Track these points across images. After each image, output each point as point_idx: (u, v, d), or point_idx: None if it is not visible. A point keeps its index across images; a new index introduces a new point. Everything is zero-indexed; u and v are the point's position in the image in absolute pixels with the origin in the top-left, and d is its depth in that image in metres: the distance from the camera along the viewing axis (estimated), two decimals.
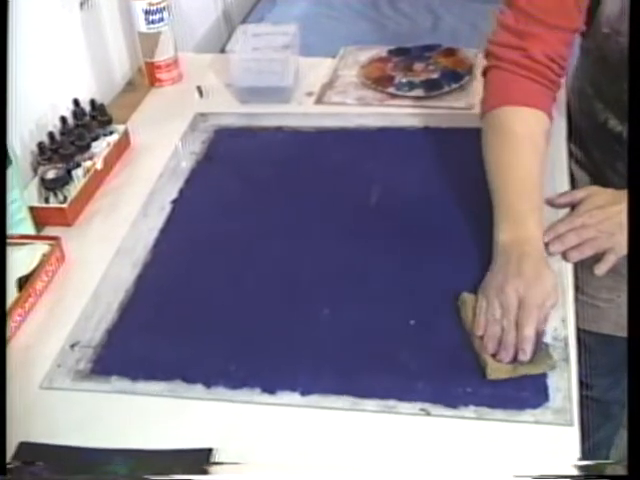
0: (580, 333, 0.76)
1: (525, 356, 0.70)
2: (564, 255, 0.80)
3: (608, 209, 0.79)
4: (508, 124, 0.85)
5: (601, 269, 0.79)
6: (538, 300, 0.73)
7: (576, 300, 0.80)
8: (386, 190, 0.95)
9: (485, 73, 0.91)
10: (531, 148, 0.83)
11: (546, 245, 0.80)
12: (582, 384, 0.72)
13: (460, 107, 1.10)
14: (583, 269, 0.82)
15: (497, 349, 0.71)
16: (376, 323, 0.77)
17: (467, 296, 0.77)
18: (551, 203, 0.86)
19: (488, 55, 0.89)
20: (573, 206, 0.84)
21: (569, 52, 0.85)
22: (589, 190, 0.85)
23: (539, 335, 0.72)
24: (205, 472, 0.63)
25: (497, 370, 0.70)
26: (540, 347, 0.72)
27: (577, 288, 0.82)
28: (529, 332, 0.71)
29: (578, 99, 1.02)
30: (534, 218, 0.79)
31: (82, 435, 0.68)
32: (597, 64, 0.94)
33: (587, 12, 0.85)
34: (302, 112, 1.13)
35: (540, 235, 0.79)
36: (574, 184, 0.99)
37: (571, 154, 1.02)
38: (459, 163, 0.98)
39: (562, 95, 1.03)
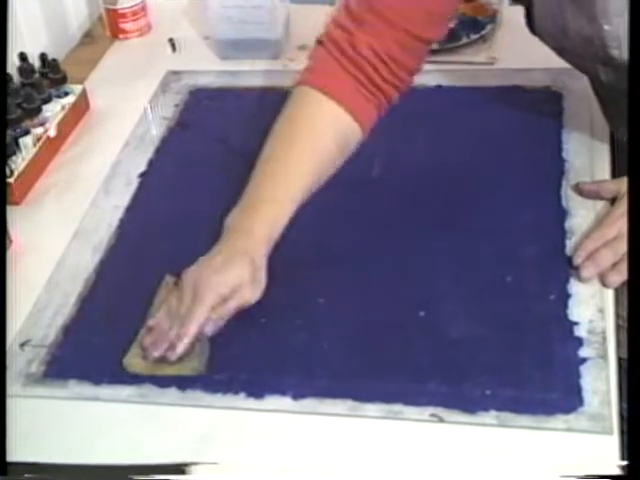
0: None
1: (173, 355, 0.72)
2: (602, 280, 0.77)
3: None
4: (298, 107, 0.86)
5: None
6: (214, 292, 0.74)
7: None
8: (391, 160, 0.96)
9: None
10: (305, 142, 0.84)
11: (577, 269, 0.78)
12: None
13: (480, 62, 1.11)
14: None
15: (153, 344, 0.74)
16: (379, 314, 0.78)
17: (169, 278, 0.80)
18: (579, 189, 0.87)
19: (324, 28, 0.89)
20: (613, 200, 0.84)
21: (410, 59, 0.84)
22: (621, 182, 0.83)
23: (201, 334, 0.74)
24: (183, 472, 0.65)
25: (134, 364, 0.74)
26: (197, 347, 0.74)
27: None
28: (191, 330, 0.73)
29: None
30: (264, 215, 0.79)
31: (34, 449, 0.68)
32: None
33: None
34: (293, 69, 1.13)
35: (263, 234, 0.78)
36: None
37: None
38: (477, 128, 0.99)
39: None
